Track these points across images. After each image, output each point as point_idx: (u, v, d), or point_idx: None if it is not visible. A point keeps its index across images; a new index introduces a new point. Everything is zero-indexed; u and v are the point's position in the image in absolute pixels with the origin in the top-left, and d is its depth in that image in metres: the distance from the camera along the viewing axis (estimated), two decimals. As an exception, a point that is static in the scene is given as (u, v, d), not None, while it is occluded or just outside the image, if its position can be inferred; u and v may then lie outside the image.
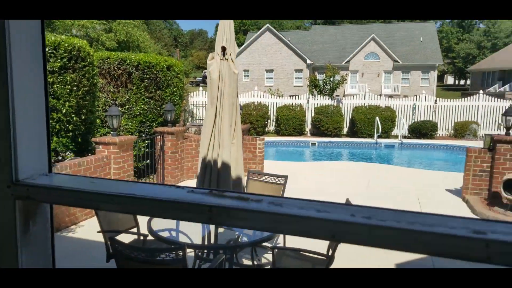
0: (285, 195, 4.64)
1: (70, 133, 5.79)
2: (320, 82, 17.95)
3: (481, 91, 16.26)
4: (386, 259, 4.43)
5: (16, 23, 0.86)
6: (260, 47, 37.04)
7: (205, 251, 3.78)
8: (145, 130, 8.19)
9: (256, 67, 37.34)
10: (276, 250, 3.64)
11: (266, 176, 4.82)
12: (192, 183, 8.03)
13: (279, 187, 4.71)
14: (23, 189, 0.88)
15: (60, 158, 5.91)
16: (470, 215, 6.19)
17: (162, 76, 8.18)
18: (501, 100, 16.18)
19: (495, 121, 15.43)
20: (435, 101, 16.03)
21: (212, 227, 3.86)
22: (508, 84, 35.33)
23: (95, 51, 7.47)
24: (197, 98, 16.94)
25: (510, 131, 6.58)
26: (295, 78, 36.85)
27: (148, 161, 7.74)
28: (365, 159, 13.06)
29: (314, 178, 8.60)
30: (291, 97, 17.61)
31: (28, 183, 0.89)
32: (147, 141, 7.67)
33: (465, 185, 6.96)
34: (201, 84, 53.46)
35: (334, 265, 3.44)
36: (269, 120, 16.78)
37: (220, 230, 3.70)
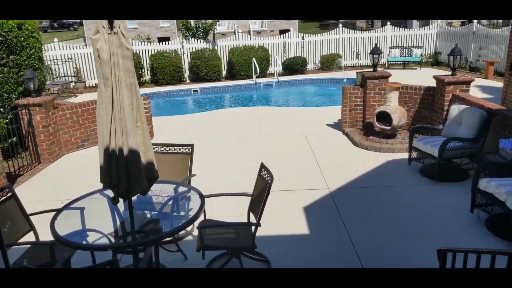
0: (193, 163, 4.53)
1: None
2: (193, 24, 17.16)
3: (340, 25, 17.68)
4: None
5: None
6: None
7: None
8: (5, 105, 6.88)
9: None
10: (203, 229, 3.61)
11: (171, 147, 4.61)
12: (73, 156, 7.25)
13: (186, 157, 4.57)
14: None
15: None
16: (351, 146, 7.02)
17: (14, 38, 6.80)
18: (355, 31, 18.01)
19: (354, 51, 17.17)
20: (303, 37, 16.92)
21: (124, 214, 3.59)
22: (357, 13, 39.06)
23: None
24: (53, 52, 14.72)
25: (377, 67, 7.41)
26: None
27: (15, 138, 6.64)
28: (248, 101, 13.42)
29: (208, 132, 8.55)
30: (163, 42, 16.57)
31: None
32: (8, 117, 6.49)
33: (344, 119, 7.77)
34: (49, 30, 46.43)
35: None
36: (143, 70, 15.69)
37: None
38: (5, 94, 6.91)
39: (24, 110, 6.68)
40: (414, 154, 5.76)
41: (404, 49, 15.99)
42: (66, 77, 14.74)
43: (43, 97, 6.95)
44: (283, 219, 4.61)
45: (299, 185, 5.54)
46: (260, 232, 3.52)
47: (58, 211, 3.33)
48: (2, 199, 3.17)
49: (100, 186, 3.21)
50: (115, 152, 3.17)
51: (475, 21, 15.24)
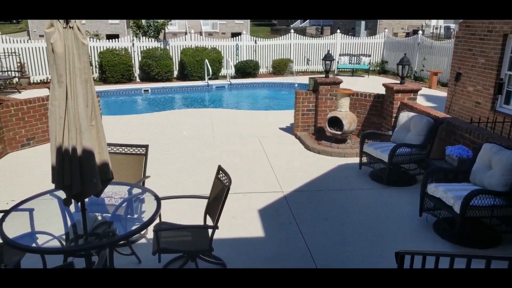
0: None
1: None
2: (144, 23, 16.70)
3: (292, 30, 18.10)
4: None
5: None
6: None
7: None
8: None
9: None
10: (160, 232, 3.53)
11: (125, 147, 4.46)
12: (19, 155, 6.78)
13: (140, 158, 4.45)
14: None
15: None
16: (304, 150, 7.21)
17: None
18: (306, 37, 18.54)
19: (305, 57, 17.65)
20: (255, 41, 17.10)
21: (75, 216, 3.44)
22: (307, 20, 40.25)
23: None
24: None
25: (329, 73, 7.68)
26: (109, 14, 33.21)
27: None
28: (200, 102, 13.30)
29: (160, 133, 8.36)
30: (112, 39, 15.95)
31: None
32: None
33: (296, 123, 7.96)
34: (-17, 21, 42.77)
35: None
36: (91, 67, 14.97)
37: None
38: None
39: (-42, 106, 6.14)
40: (364, 159, 6.03)
41: (353, 57, 16.71)
42: (9, 72, 13.70)
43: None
44: (238, 222, 4.62)
45: (253, 187, 5.59)
46: (216, 235, 3.50)
47: (6, 213, 3.14)
48: None
49: (50, 186, 3.09)
50: (68, 152, 3.03)
51: (420, 32, 16.31)
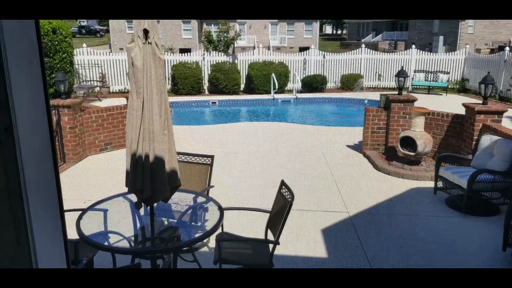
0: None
1: None
2: (215, 38, 17.40)
3: (363, 45, 17.67)
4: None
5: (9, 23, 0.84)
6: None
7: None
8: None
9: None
10: (222, 242, 3.53)
11: (192, 156, 4.58)
12: (96, 158, 7.30)
13: (205, 167, 4.53)
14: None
15: None
16: (373, 170, 6.87)
17: (48, 41, 6.95)
18: (377, 52, 17.92)
19: (376, 72, 17.09)
20: (324, 55, 16.94)
21: (144, 219, 3.57)
22: (380, 35, 39.17)
23: None
24: (81, 57, 15.00)
25: (402, 90, 7.31)
26: (184, 30, 35.18)
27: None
28: (265, 116, 13.41)
29: (226, 144, 8.52)
30: (184, 53, 16.79)
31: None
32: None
33: (365, 141, 7.64)
34: (77, 36, 47.62)
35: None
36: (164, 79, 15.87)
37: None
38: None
39: (54, 111, 6.79)
40: (440, 184, 5.57)
41: (430, 74, 15.80)
42: (92, 82, 14.99)
43: (72, 100, 7.07)
44: (300, 239, 4.49)
45: (317, 205, 5.42)
46: (276, 250, 3.42)
47: (83, 211, 3.35)
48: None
49: (123, 189, 3.23)
50: (141, 158, 3.16)
51: (507, 49, 14.85)
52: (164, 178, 3.23)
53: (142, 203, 3.16)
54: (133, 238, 3.41)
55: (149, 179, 3.15)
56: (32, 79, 0.88)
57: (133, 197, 3.26)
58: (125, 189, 3.15)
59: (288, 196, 3.38)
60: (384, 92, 8.73)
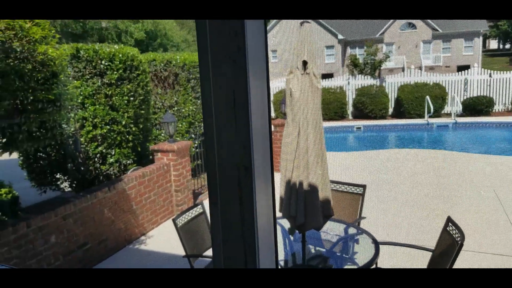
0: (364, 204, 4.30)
1: (130, 143, 5.67)
2: (361, 61, 17.13)
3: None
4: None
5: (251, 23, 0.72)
6: (286, 25, 35.80)
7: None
8: (195, 132, 8.00)
9: (283, 46, 36.18)
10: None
11: (342, 185, 4.50)
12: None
13: (357, 197, 4.38)
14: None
15: (123, 167, 5.83)
16: (561, 210, 5.61)
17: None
18: None
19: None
20: (490, 74, 14.89)
21: (295, 245, 3.63)
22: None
23: (140, 53, 7.29)
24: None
25: None
26: (326, 55, 35.63)
27: (199, 161, 7.59)
28: (417, 142, 12.40)
29: (374, 173, 8.16)
30: (326, 78, 16.95)
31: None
32: (197, 142, 7.52)
33: (549, 174, 6.32)
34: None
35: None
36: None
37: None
38: (196, 123, 8.03)
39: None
40: None
41: None
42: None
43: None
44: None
45: (489, 248, 4.66)
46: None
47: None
48: (195, 214, 3.57)
49: (277, 215, 3.34)
50: (295, 185, 3.25)
51: None
52: (317, 206, 3.25)
53: (295, 230, 3.23)
54: (282, 263, 3.47)
55: (303, 206, 3.21)
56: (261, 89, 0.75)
57: (286, 223, 3.34)
58: (279, 214, 3.25)
59: (458, 236, 3.00)
60: None
